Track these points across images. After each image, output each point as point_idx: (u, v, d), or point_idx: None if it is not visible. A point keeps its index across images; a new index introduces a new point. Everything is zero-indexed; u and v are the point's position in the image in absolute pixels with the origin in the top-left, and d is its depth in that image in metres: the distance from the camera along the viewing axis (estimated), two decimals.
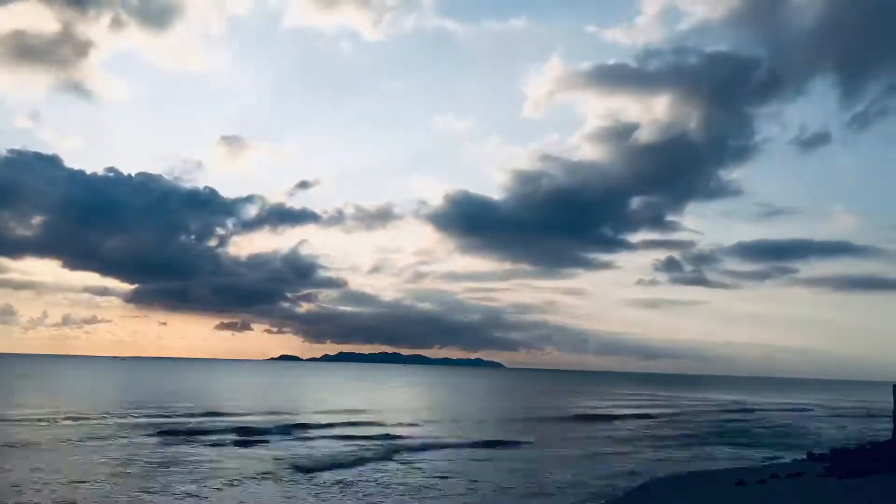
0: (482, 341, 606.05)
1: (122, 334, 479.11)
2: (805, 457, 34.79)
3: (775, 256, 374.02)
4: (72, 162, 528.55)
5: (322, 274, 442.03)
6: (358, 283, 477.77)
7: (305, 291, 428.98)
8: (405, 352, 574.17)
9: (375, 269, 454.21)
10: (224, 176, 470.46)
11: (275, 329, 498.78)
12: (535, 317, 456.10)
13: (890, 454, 30.14)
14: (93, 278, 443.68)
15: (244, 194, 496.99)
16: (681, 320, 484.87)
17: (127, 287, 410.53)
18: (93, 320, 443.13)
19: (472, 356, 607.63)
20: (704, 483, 27.02)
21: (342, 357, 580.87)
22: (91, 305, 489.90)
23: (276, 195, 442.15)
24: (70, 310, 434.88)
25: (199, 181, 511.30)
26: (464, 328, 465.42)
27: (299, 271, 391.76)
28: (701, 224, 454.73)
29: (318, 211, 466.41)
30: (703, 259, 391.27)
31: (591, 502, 23.90)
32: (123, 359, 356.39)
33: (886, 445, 34.64)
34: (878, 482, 23.00)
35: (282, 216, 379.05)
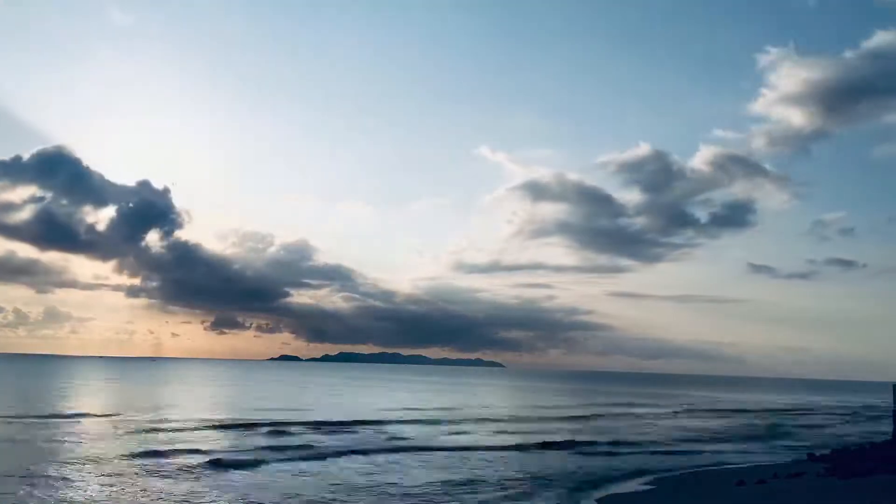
0: (482, 341, 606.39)
1: (114, 333, 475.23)
2: (805, 457, 34.79)
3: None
4: None
5: (323, 273, 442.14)
6: (360, 281, 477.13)
7: (305, 291, 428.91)
8: (405, 352, 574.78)
9: (380, 268, 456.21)
10: None
11: (275, 328, 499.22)
12: (540, 315, 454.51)
13: (890, 454, 30.13)
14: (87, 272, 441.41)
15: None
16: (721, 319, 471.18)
17: (121, 283, 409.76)
18: (83, 318, 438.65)
19: (472, 356, 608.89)
20: (705, 483, 27.05)
21: (342, 357, 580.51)
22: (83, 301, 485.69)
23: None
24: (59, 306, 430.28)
25: None
26: (463, 328, 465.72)
27: (301, 269, 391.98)
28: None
29: (326, 202, 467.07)
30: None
31: (593, 501, 23.87)
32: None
33: (887, 446, 34.65)
34: (879, 482, 23.00)
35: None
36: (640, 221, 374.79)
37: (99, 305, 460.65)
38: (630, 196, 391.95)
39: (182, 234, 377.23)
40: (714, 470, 31.57)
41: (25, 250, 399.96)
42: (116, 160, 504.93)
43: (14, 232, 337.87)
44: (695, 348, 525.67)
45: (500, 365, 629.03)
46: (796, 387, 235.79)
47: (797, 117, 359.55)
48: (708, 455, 37.20)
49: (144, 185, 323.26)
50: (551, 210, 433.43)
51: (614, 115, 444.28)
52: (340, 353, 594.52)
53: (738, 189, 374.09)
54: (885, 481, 23.10)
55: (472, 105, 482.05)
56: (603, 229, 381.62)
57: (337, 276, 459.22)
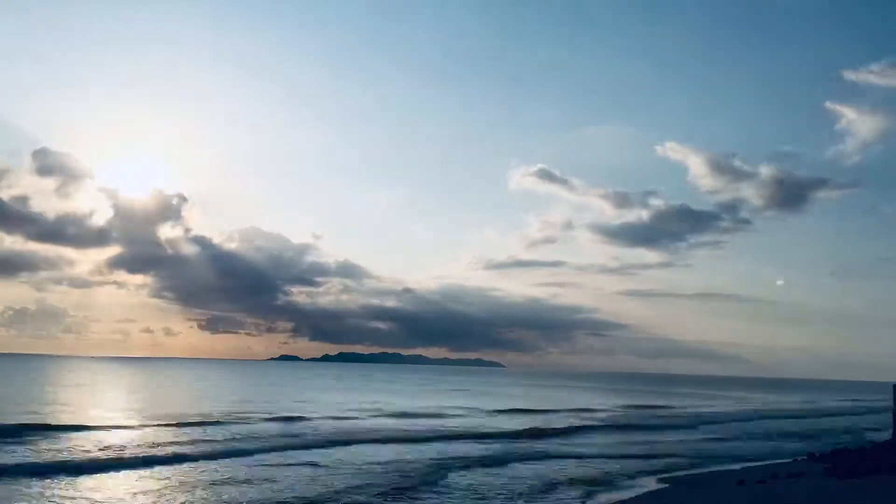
0: (483, 341, 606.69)
1: (111, 333, 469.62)
2: (805, 457, 34.84)
3: None
4: None
5: (325, 272, 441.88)
6: (362, 280, 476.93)
7: (306, 291, 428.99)
8: (405, 352, 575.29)
9: (384, 268, 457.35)
10: None
11: (275, 328, 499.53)
12: (545, 315, 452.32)
13: (890, 455, 30.15)
14: (85, 271, 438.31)
15: None
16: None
17: (120, 281, 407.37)
18: (80, 317, 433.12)
19: (473, 356, 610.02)
20: (705, 483, 27.09)
21: (342, 357, 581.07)
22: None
23: None
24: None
25: None
26: (465, 327, 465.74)
27: (302, 268, 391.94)
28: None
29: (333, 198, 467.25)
30: None
31: (592, 502, 23.91)
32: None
33: (887, 446, 34.66)
34: (879, 483, 23.05)
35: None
36: (666, 218, 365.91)
37: (96, 304, 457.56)
38: (659, 193, 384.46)
39: (182, 232, 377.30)
40: (715, 470, 31.61)
41: (21, 246, 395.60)
42: (115, 157, 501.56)
43: (14, 229, 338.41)
44: (710, 349, 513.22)
45: (500, 365, 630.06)
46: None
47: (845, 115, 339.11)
48: None
49: (144, 181, 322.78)
50: (574, 206, 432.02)
51: (643, 109, 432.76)
52: (340, 353, 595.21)
53: (774, 184, 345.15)
54: (885, 481, 23.15)
55: (491, 100, 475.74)
56: (625, 226, 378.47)
57: (339, 275, 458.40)
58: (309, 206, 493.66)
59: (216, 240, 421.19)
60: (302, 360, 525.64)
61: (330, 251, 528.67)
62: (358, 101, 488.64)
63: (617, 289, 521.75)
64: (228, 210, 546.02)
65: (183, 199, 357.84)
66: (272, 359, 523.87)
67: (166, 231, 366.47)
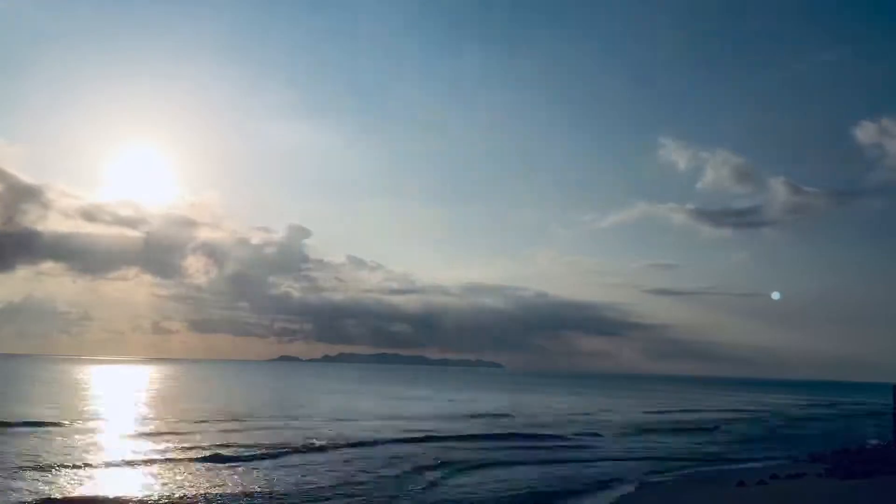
0: (484, 342, 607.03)
1: (108, 333, 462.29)
2: (806, 458, 34.90)
3: None
4: None
5: (324, 272, 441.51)
6: (363, 281, 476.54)
7: (305, 291, 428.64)
8: (405, 352, 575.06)
9: (386, 268, 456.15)
10: None
11: (275, 329, 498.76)
12: (547, 315, 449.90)
13: (890, 455, 30.23)
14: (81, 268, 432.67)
15: None
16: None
17: (118, 279, 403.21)
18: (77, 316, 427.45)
19: (473, 357, 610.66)
20: (706, 483, 27.13)
21: (342, 358, 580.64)
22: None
23: None
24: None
25: None
26: (463, 328, 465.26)
27: (302, 268, 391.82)
28: None
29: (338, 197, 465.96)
30: None
31: (592, 501, 23.99)
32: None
33: (887, 446, 34.76)
34: (879, 483, 23.13)
35: None
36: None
37: (92, 303, 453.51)
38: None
39: (183, 231, 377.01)
40: (715, 471, 31.64)
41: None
42: (116, 153, 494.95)
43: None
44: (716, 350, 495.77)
45: (499, 366, 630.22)
46: None
47: None
48: None
49: (146, 179, 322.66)
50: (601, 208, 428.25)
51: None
52: (340, 354, 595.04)
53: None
54: (885, 482, 23.23)
55: (502, 104, 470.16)
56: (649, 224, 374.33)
57: (340, 275, 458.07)
58: (311, 206, 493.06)
59: (217, 238, 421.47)
60: (302, 360, 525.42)
61: (332, 251, 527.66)
62: (373, 102, 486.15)
63: (634, 287, 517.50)
64: (231, 209, 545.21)
65: (185, 197, 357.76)
66: (272, 360, 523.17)
67: (167, 229, 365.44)
